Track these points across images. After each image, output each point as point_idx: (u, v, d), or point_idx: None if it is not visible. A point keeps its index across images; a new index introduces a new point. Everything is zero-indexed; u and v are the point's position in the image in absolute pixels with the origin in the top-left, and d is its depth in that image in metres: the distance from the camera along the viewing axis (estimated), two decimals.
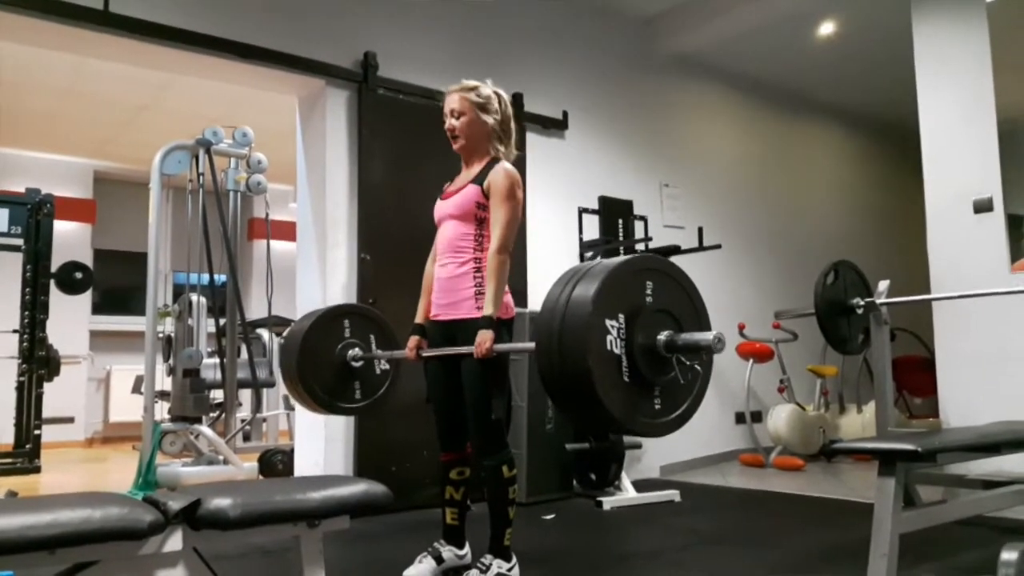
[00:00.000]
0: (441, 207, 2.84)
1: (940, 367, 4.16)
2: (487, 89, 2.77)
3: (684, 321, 2.00)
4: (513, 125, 2.83)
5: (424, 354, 2.78)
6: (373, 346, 3.09)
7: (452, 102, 2.76)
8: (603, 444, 4.35)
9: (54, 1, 3.49)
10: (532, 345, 2.07)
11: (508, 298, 2.76)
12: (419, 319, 2.86)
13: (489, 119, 2.74)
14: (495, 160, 2.74)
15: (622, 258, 2.01)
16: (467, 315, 2.66)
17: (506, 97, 2.83)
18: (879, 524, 2.49)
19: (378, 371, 3.12)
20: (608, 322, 1.87)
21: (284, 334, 3.13)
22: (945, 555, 2.80)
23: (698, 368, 2.02)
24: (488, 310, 2.56)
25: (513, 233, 2.65)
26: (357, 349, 3.03)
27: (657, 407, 1.97)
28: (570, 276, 1.99)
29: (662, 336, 1.93)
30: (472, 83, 2.77)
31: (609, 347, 1.87)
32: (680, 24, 5.78)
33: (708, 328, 2.05)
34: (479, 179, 2.71)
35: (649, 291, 1.97)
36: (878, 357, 3.69)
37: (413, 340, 2.82)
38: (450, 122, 2.77)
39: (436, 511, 2.91)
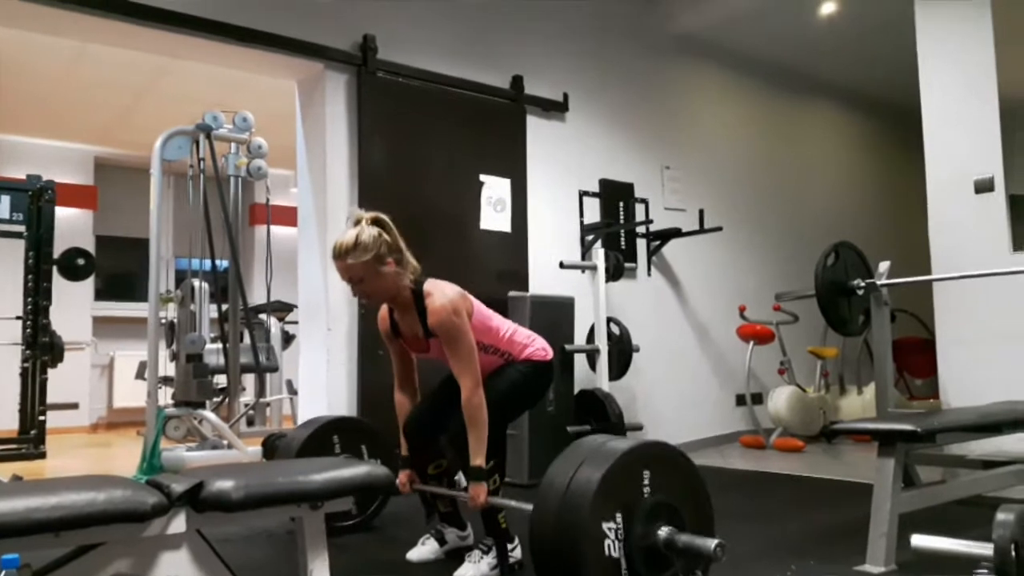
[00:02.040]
0: (421, 357, 2.74)
1: (940, 348, 4.16)
2: (368, 231, 2.48)
3: (684, 510, 1.94)
4: (401, 242, 2.56)
5: (417, 487, 2.76)
6: (365, 457, 3.12)
7: (344, 272, 2.51)
8: (604, 426, 4.37)
9: None
10: (529, 507, 2.02)
11: (541, 343, 2.75)
12: (405, 451, 2.78)
13: (389, 266, 2.50)
14: (418, 294, 2.55)
15: (619, 450, 1.92)
16: (509, 360, 2.69)
17: (385, 218, 2.56)
18: (879, 504, 2.51)
19: None
20: (605, 525, 1.82)
21: (277, 449, 3.14)
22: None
23: (699, 574, 1.95)
24: (476, 460, 2.44)
25: (475, 364, 2.48)
26: None
27: None
28: (567, 462, 1.93)
29: (662, 533, 1.87)
30: (351, 237, 2.46)
31: (607, 552, 1.81)
32: (681, 4, 5.75)
33: (709, 515, 2.00)
34: (426, 329, 2.54)
35: (647, 481, 1.91)
36: (878, 338, 3.70)
37: (404, 475, 2.75)
38: (354, 289, 2.55)
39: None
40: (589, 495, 1.80)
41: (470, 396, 2.45)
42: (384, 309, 2.73)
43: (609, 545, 1.81)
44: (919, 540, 1.53)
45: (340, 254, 2.48)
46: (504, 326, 2.71)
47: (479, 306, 2.65)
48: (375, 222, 2.52)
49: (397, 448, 2.83)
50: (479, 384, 2.47)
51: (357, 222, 2.52)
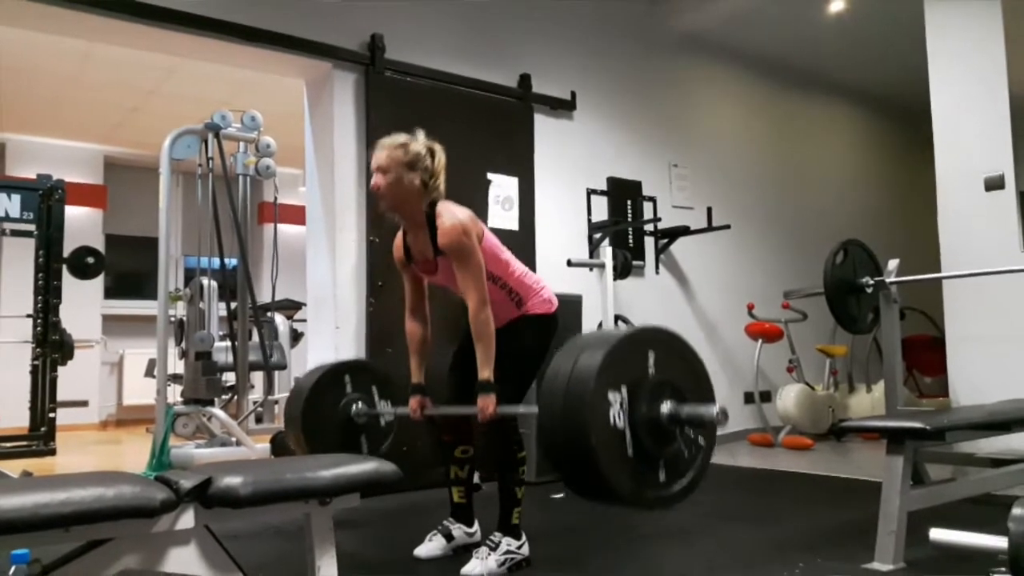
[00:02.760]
0: (432, 280, 2.76)
1: (950, 346, 4.14)
2: (417, 145, 2.62)
3: (687, 392, 1.96)
4: (442, 177, 2.67)
5: (428, 412, 2.79)
6: (376, 398, 3.09)
7: (378, 158, 2.61)
8: None
9: None
10: (535, 410, 2.05)
11: (547, 292, 2.79)
12: (415, 378, 2.82)
13: (416, 177, 2.59)
14: (431, 215, 2.61)
15: (625, 330, 1.98)
16: (508, 318, 2.69)
17: (440, 152, 2.68)
18: (887, 502, 2.51)
19: (383, 423, 3.12)
20: (611, 394, 1.84)
21: (289, 392, 3.13)
22: None
23: (701, 443, 1.98)
24: (483, 373, 2.50)
25: (482, 282, 2.55)
26: (360, 404, 3.01)
27: (662, 480, 1.93)
28: (572, 347, 1.95)
29: (665, 408, 1.89)
30: (402, 139, 2.62)
31: (612, 421, 1.83)
32: (689, 2, 5.74)
33: (711, 398, 2.02)
34: (436, 248, 2.59)
35: (651, 362, 1.93)
36: (887, 336, 3.69)
37: (415, 400, 2.78)
38: (375, 179, 2.61)
39: (446, 491, 2.93)
40: (595, 367, 1.83)
41: (477, 312, 2.52)
42: (399, 237, 2.79)
43: (614, 415, 1.84)
44: (937, 534, 1.53)
45: (383, 144, 2.63)
46: (515, 264, 2.75)
47: (490, 235, 2.70)
48: (428, 148, 2.65)
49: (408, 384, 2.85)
50: (486, 302, 2.54)
51: (414, 138, 2.65)
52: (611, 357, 1.85)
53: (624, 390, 1.87)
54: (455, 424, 2.84)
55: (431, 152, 2.65)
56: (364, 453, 3.04)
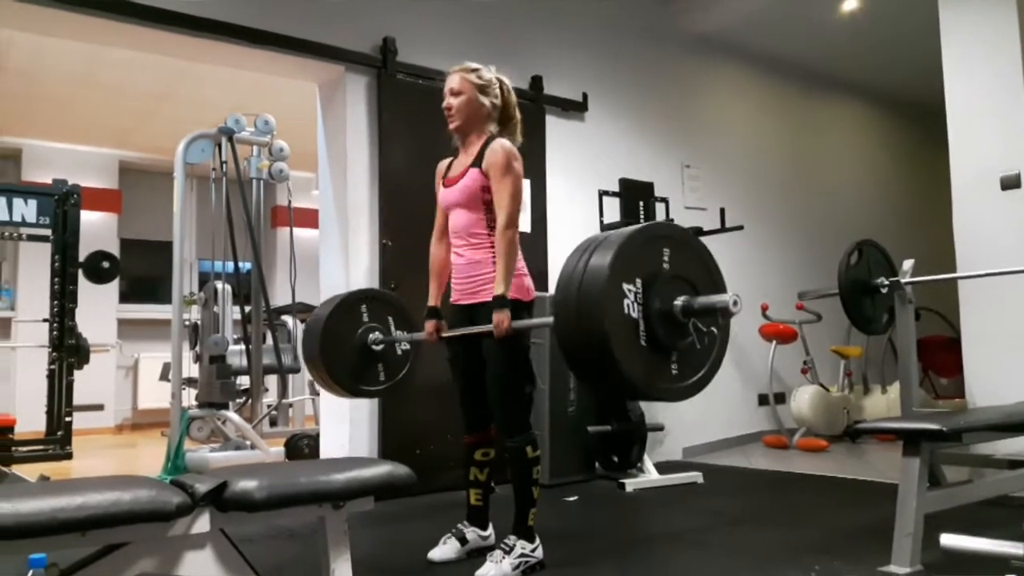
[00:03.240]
0: (447, 195, 2.80)
1: (966, 346, 4.10)
2: (489, 73, 2.78)
3: (701, 288, 1.98)
4: (517, 114, 2.83)
5: (444, 335, 2.81)
6: (392, 328, 3.11)
7: (452, 81, 2.75)
8: (625, 426, 4.36)
9: None
10: (551, 320, 2.07)
11: (528, 280, 2.78)
12: (432, 302, 2.88)
13: (487, 101, 2.74)
14: (491, 138, 2.71)
15: (639, 225, 2.01)
16: (488, 298, 2.65)
17: (509, 84, 2.84)
18: (904, 504, 2.49)
19: (399, 352, 3.15)
20: (625, 286, 1.87)
21: (306, 322, 3.14)
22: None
23: (715, 332, 2.00)
24: (499, 289, 2.55)
25: (518, 206, 2.63)
26: (377, 332, 3.04)
27: (674, 372, 1.95)
28: (587, 245, 1.98)
29: (679, 301, 1.91)
30: (474, 65, 2.77)
31: (626, 311, 1.86)
32: (700, 3, 5.72)
33: (724, 291, 2.04)
34: (478, 161, 2.68)
35: (666, 258, 1.96)
36: (903, 337, 3.66)
37: (430, 324, 2.83)
38: (448, 100, 2.74)
39: (460, 493, 2.94)
40: (609, 258, 1.85)
41: (504, 227, 2.60)
42: (444, 161, 2.90)
43: (628, 305, 1.87)
44: (948, 540, 1.52)
45: (454, 70, 2.78)
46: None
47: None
48: (498, 79, 2.81)
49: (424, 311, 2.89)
50: (515, 224, 2.62)
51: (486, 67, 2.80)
52: (625, 250, 1.88)
53: (639, 282, 1.90)
54: (478, 419, 2.83)
55: (501, 84, 2.80)
56: (381, 381, 3.08)
